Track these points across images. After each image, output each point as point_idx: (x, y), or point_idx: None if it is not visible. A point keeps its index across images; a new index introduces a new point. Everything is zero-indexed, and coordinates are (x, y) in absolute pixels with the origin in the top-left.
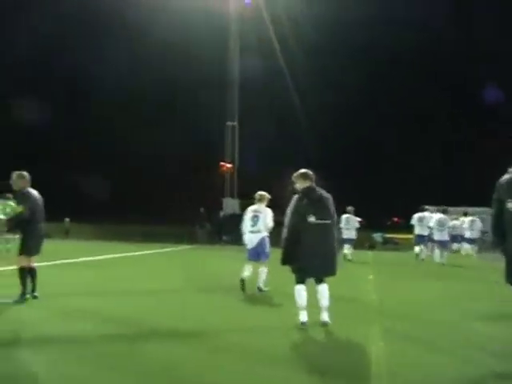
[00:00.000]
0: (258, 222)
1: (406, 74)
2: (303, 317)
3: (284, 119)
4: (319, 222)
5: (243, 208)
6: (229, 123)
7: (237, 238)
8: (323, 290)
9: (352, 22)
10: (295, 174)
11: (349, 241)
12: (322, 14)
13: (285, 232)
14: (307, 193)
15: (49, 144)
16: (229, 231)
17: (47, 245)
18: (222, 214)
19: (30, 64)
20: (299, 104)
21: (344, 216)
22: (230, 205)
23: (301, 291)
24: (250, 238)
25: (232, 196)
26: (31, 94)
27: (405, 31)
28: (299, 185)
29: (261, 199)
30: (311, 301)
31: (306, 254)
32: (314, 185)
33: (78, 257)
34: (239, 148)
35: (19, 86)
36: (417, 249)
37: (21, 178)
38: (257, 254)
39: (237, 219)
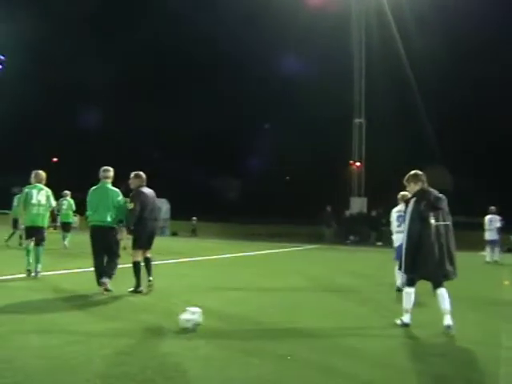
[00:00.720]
0: (403, 221)
1: None
2: (407, 318)
3: (411, 116)
4: (439, 223)
5: (370, 207)
6: (356, 120)
7: (363, 238)
8: (442, 293)
9: (480, 15)
10: (406, 177)
11: (492, 242)
12: (448, 7)
13: (405, 238)
14: (423, 195)
15: (176, 143)
16: (355, 231)
17: (174, 243)
18: (348, 213)
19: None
20: (425, 100)
21: (487, 217)
22: (357, 204)
23: (411, 294)
24: (397, 238)
25: (359, 195)
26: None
27: None
28: (411, 187)
29: (403, 199)
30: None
31: (427, 259)
32: (426, 186)
33: (202, 255)
34: (366, 145)
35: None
36: None
37: (136, 178)
38: None
39: (364, 218)
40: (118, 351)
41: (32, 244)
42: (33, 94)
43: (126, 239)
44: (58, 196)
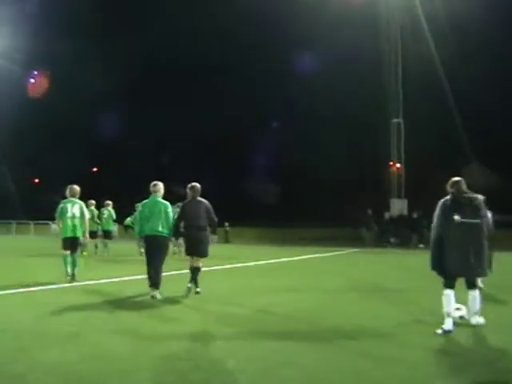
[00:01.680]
0: None
1: None
2: (448, 325)
3: (446, 116)
4: (465, 220)
5: (411, 209)
6: (394, 120)
7: (404, 241)
8: (474, 295)
9: None
10: (449, 182)
11: None
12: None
13: (432, 235)
14: (454, 196)
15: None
16: (396, 233)
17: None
18: (388, 215)
19: None
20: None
21: None
22: (398, 206)
23: (450, 296)
24: None
25: (399, 196)
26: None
27: None
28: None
29: None
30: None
31: (450, 255)
32: (462, 189)
33: (246, 261)
34: (405, 145)
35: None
36: None
37: (190, 190)
38: None
39: (404, 220)
40: (182, 353)
41: (68, 252)
42: (70, 105)
43: (175, 246)
44: (99, 206)
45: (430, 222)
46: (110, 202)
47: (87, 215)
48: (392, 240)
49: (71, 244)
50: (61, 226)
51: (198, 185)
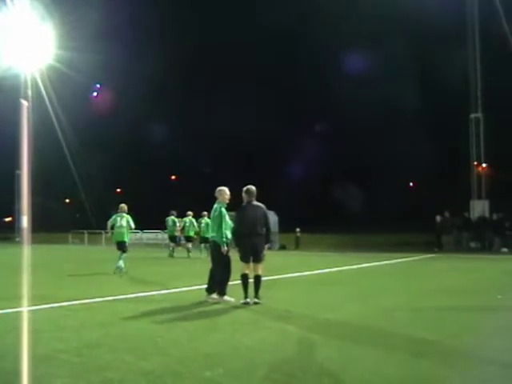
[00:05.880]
0: None
1: None
2: None
3: None
4: None
5: (492, 211)
6: (472, 115)
7: (486, 245)
8: None
9: None
10: None
11: None
12: None
13: None
14: None
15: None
16: (477, 237)
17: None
18: (467, 216)
19: None
20: None
21: None
22: (479, 207)
23: None
24: None
25: (479, 197)
26: None
27: None
28: None
29: None
30: None
31: None
32: None
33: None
34: (484, 142)
35: None
36: None
37: (246, 193)
38: None
39: (486, 223)
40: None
41: (119, 252)
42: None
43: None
44: (182, 214)
45: None
46: (190, 212)
47: (132, 225)
48: (472, 244)
49: (120, 246)
50: (112, 233)
51: (253, 187)
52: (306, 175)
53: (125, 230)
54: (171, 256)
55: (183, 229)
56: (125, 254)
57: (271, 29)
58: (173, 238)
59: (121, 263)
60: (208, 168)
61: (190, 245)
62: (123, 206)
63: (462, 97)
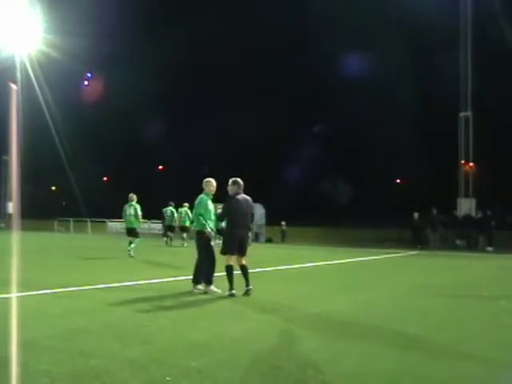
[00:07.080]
0: None
1: None
2: None
3: None
4: None
5: (479, 209)
6: (461, 114)
7: (471, 242)
8: None
9: None
10: None
11: None
12: None
13: None
14: None
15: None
16: (463, 235)
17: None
18: (455, 214)
19: None
20: None
21: None
22: (466, 205)
23: None
24: None
25: (466, 195)
26: None
27: None
28: None
29: None
30: None
31: None
32: None
33: (304, 262)
34: (474, 141)
35: None
36: None
37: (233, 185)
38: None
39: (472, 221)
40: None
41: (130, 238)
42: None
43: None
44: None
45: (499, 222)
46: (186, 204)
47: (140, 213)
48: (458, 242)
49: (131, 232)
50: (124, 220)
51: (240, 180)
52: (299, 172)
53: (133, 218)
54: (169, 245)
55: (179, 219)
56: (137, 239)
57: (271, 30)
58: (171, 228)
59: (132, 247)
60: (195, 159)
61: (185, 235)
62: (132, 195)
63: (453, 96)
